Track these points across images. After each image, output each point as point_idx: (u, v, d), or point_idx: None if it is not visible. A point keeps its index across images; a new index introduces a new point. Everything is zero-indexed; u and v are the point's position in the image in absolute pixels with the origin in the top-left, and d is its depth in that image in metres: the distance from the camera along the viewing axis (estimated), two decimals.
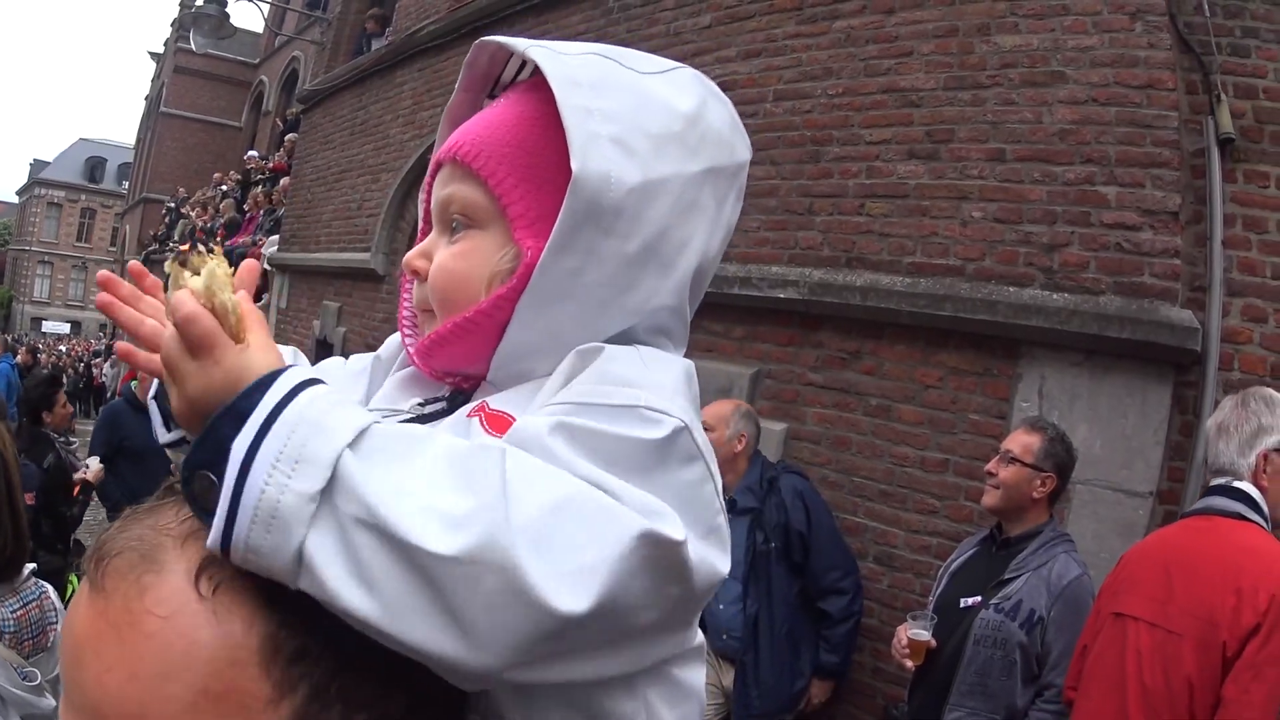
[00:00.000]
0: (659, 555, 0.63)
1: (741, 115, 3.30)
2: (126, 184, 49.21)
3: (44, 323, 64.34)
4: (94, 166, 66.76)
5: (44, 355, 25.73)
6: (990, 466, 3.24)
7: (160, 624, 0.57)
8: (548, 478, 0.61)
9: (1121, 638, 2.48)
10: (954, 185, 3.99)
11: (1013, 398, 3.76)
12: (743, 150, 0.94)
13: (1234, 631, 2.25)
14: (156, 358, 0.69)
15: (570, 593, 0.58)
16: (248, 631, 0.58)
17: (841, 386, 4.38)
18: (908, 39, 4.26)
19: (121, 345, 0.78)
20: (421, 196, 0.95)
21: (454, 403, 0.87)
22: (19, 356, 17.79)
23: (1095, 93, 3.64)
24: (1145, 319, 3.38)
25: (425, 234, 0.92)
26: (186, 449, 0.72)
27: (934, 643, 3.21)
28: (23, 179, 71.92)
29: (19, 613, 2.19)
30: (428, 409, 0.87)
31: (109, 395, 25.07)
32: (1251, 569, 2.30)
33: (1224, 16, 3.66)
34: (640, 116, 0.81)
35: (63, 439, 5.61)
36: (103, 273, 0.77)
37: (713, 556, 0.68)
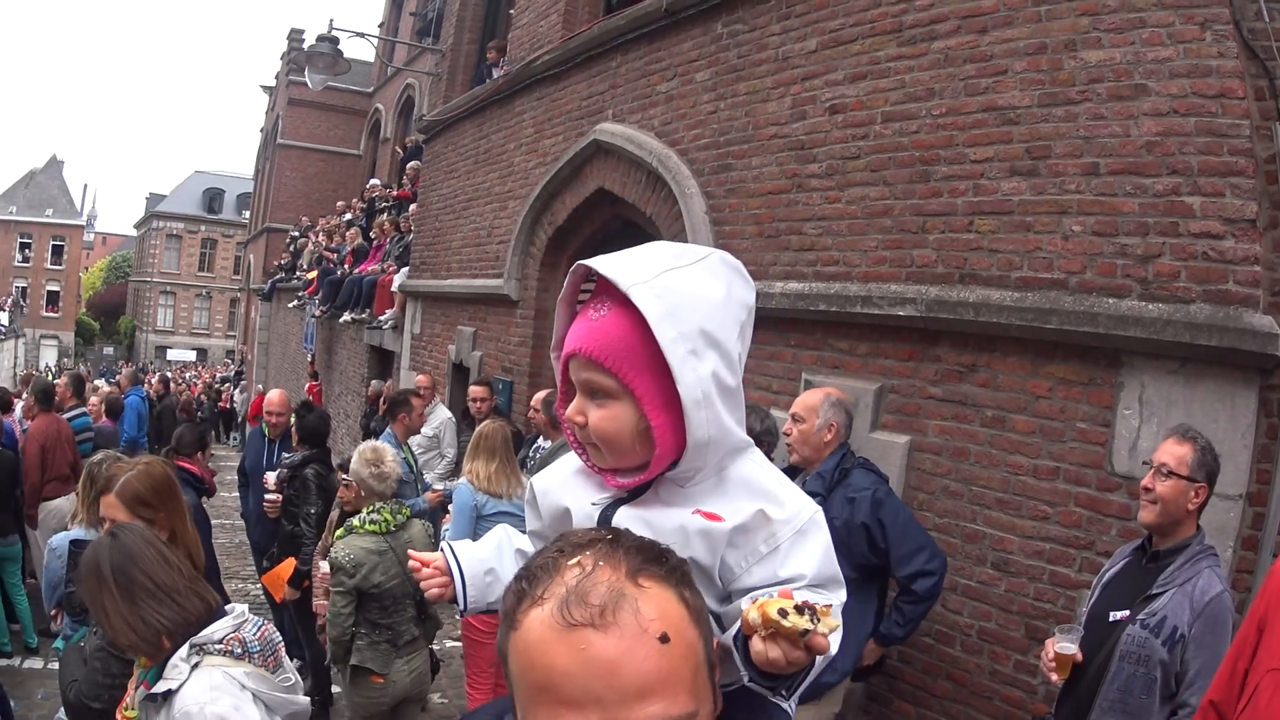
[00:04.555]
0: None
1: (852, 137, 4.51)
2: (246, 213, 52.25)
3: (169, 351, 69.29)
4: (212, 198, 72.09)
5: (175, 385, 27.27)
6: (1146, 482, 3.51)
7: (667, 626, 1.06)
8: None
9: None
10: (1054, 200, 4.53)
11: (1116, 406, 4.26)
12: (751, 297, 1.53)
13: None
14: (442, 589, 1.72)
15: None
16: (702, 626, 1.14)
17: (959, 399, 4.97)
18: (1001, 57, 4.81)
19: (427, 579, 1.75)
20: (554, 355, 1.61)
21: (634, 493, 1.54)
22: (149, 387, 18.94)
23: (1175, 104, 4.11)
24: (1231, 326, 3.83)
25: (563, 387, 1.58)
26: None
27: (1079, 656, 3.57)
28: (140, 213, 77.33)
29: (258, 634, 2.81)
30: (613, 498, 1.56)
31: (238, 420, 27.02)
32: None
33: None
34: (701, 320, 1.41)
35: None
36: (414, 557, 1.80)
37: None
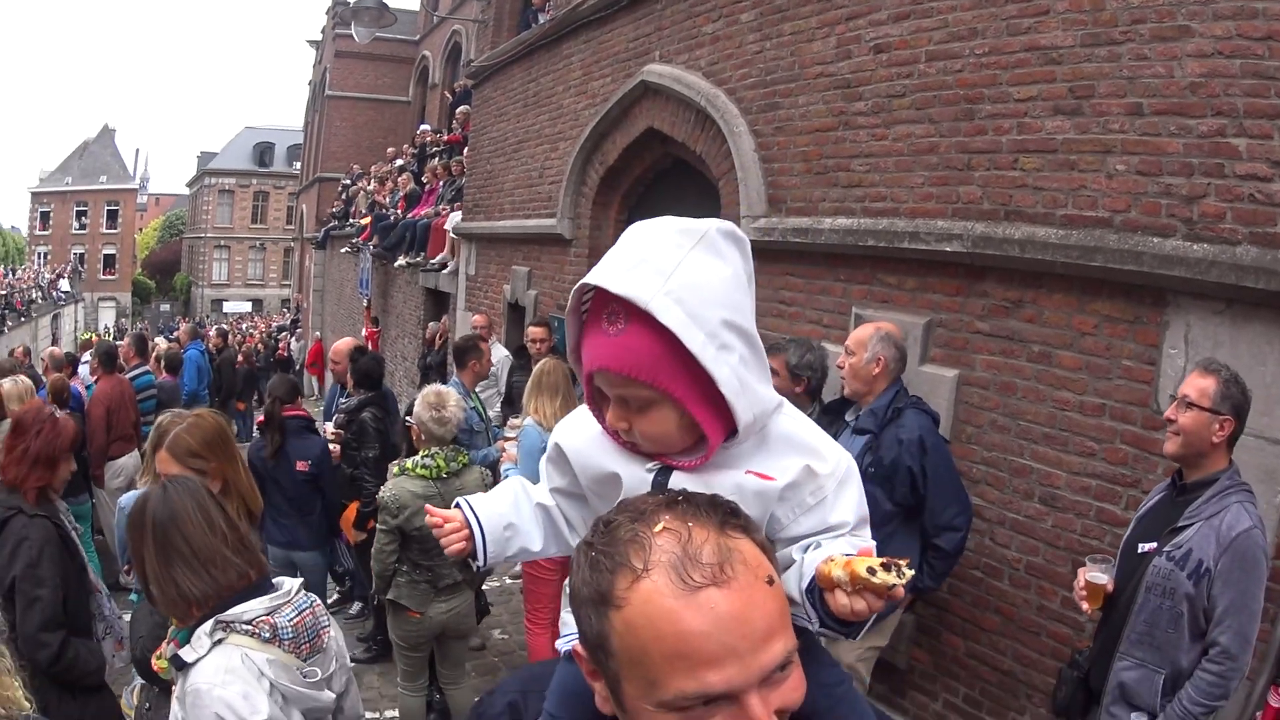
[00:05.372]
0: None
1: (897, 76, 5.35)
2: (297, 165, 52.90)
3: (224, 304, 71.01)
4: (262, 152, 73.70)
5: (233, 337, 27.88)
6: (1169, 413, 3.57)
7: (768, 569, 1.16)
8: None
9: None
10: (1098, 139, 4.59)
11: (1161, 344, 4.34)
12: (749, 256, 1.53)
13: None
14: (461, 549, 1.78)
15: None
16: (777, 567, 1.21)
17: (1006, 334, 5.10)
18: None
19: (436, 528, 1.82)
20: (573, 360, 1.63)
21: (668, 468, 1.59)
22: (208, 341, 19.34)
23: (1220, 45, 4.13)
24: (1278, 269, 3.85)
25: (589, 390, 1.59)
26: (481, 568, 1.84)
27: (1110, 586, 3.69)
28: (192, 172, 78.99)
29: (295, 620, 2.70)
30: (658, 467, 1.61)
31: (296, 367, 27.55)
32: None
33: None
34: (720, 311, 1.42)
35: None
36: (431, 510, 1.83)
37: None
